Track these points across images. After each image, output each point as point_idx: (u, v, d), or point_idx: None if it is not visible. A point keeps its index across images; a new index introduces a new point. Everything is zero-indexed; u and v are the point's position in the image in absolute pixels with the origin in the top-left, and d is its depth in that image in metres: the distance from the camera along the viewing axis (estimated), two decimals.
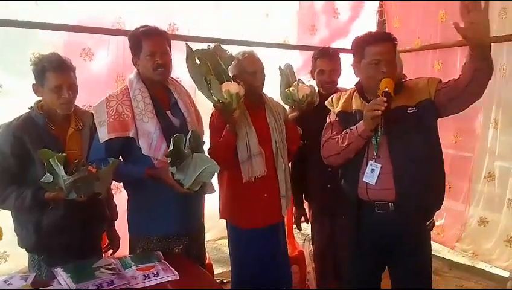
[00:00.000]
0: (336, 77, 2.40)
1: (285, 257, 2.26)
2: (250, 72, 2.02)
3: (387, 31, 3.95)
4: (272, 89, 2.24)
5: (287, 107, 2.20)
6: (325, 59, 2.38)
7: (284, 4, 3.41)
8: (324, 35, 3.65)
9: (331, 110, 1.99)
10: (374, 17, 3.90)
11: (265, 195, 2.08)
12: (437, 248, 3.75)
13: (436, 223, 3.62)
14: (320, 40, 3.58)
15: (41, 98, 1.82)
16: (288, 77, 2.11)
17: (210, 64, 1.90)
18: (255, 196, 2.07)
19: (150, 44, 1.81)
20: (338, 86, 2.43)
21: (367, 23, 3.79)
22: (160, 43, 1.84)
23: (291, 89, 2.05)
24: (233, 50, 2.12)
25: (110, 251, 2.16)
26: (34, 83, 1.78)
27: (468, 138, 3.40)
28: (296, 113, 2.10)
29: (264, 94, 2.18)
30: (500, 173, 3.18)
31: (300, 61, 3.56)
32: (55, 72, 1.73)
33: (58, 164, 1.55)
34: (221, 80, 1.90)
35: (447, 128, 3.50)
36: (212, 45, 1.97)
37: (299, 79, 2.14)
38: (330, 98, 2.04)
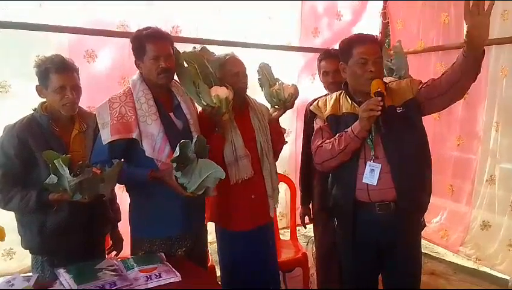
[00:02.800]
0: (339, 78, 2.39)
1: (273, 258, 2.25)
2: (233, 73, 2.01)
3: (390, 33, 3.97)
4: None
5: (269, 106, 2.19)
6: (328, 60, 2.39)
7: (286, 7, 3.41)
8: (327, 37, 3.63)
9: (317, 116, 1.98)
10: (377, 19, 3.88)
11: (253, 196, 2.08)
12: (441, 252, 3.75)
13: (439, 223, 3.62)
14: (322, 42, 3.57)
15: (45, 100, 1.83)
16: (267, 76, 2.12)
17: (197, 67, 1.91)
18: (243, 198, 2.06)
19: (154, 48, 1.80)
20: None
21: (370, 25, 3.77)
22: (164, 47, 1.83)
23: (276, 88, 2.05)
24: (237, 52, 2.13)
25: (114, 253, 2.16)
26: (38, 84, 1.79)
27: (471, 140, 3.38)
28: (279, 112, 2.10)
29: (247, 96, 2.17)
30: (503, 176, 3.15)
31: (302, 63, 3.57)
32: (58, 73, 1.74)
33: (63, 165, 1.55)
34: (208, 83, 1.90)
35: (450, 131, 3.50)
36: (198, 47, 1.97)
37: (277, 78, 2.15)
38: (315, 102, 2.03)
